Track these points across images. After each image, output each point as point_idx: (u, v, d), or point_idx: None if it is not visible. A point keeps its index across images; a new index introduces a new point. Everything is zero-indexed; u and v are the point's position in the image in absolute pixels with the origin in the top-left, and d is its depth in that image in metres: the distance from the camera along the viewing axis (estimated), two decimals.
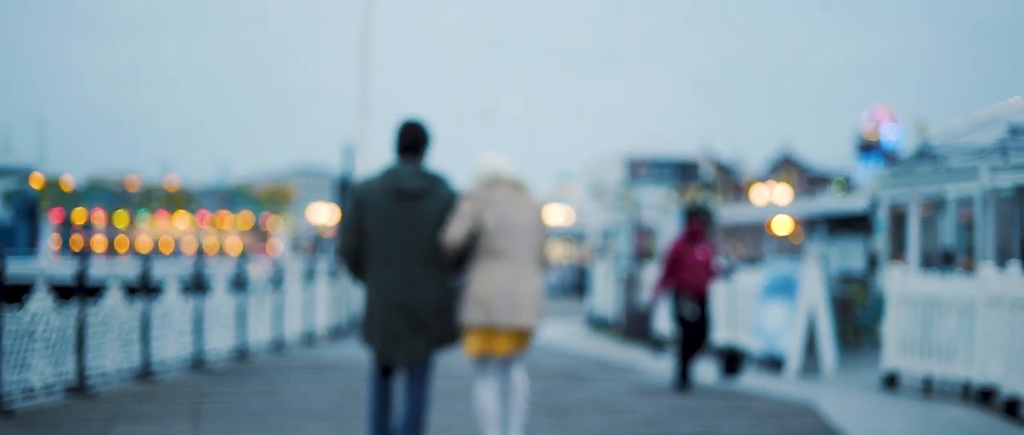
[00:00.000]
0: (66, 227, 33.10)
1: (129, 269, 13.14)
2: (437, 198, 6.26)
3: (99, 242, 33.31)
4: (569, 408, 10.08)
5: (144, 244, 33.20)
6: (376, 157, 24.12)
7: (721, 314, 16.08)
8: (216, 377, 12.48)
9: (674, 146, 47.14)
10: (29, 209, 30.11)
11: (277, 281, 17.15)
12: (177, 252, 33.35)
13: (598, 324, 23.29)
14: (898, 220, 18.29)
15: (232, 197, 34.84)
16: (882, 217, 18.72)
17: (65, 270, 10.71)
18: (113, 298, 11.37)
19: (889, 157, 30.79)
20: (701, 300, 12.18)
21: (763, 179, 44.10)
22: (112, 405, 9.86)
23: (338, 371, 13.30)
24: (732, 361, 13.31)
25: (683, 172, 45.75)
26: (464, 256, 6.40)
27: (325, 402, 10.28)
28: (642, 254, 27.22)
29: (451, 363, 12.61)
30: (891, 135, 39.61)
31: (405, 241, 6.19)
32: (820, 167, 53.23)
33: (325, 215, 52.68)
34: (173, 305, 12.85)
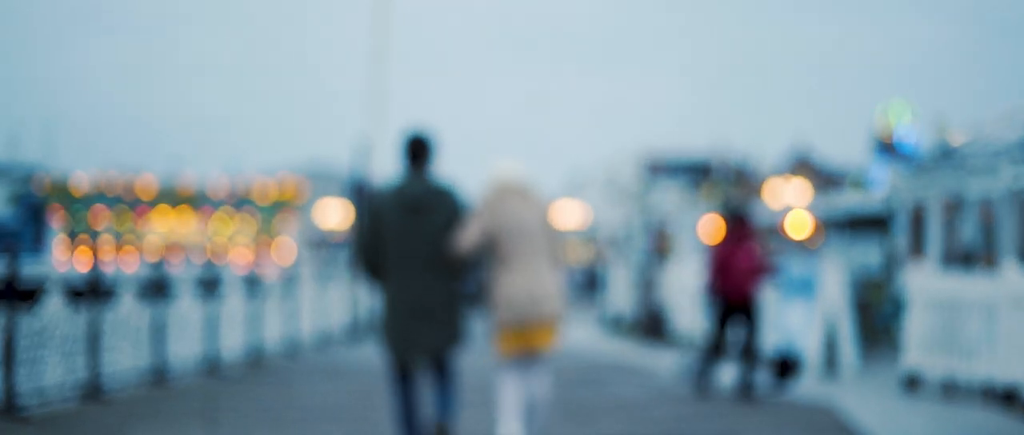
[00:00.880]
0: (74, 229, 33.07)
1: (139, 271, 13.06)
2: (445, 209, 6.83)
3: (107, 244, 33.29)
4: (589, 411, 9.97)
5: (153, 245, 33.19)
6: (389, 155, 23.92)
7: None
8: (230, 380, 12.40)
9: (688, 144, 47.01)
10: (34, 211, 30.11)
11: (291, 283, 17.06)
12: (187, 253, 33.31)
13: (615, 325, 23.18)
14: (917, 220, 18.13)
15: (241, 198, 34.80)
16: (901, 217, 18.56)
17: (75, 273, 10.62)
18: (126, 302, 11.29)
19: (907, 156, 30.56)
20: (744, 305, 11.80)
21: (779, 177, 43.84)
22: (126, 409, 9.79)
23: (354, 374, 13.21)
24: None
25: (699, 171, 45.61)
26: (473, 262, 6.94)
27: (342, 402, 10.19)
28: (660, 254, 27.10)
29: (469, 370, 12.51)
30: (909, 133, 39.40)
31: (416, 250, 6.76)
32: (834, 166, 52.93)
33: (336, 214, 51.18)
34: (187, 309, 12.77)
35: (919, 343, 12.13)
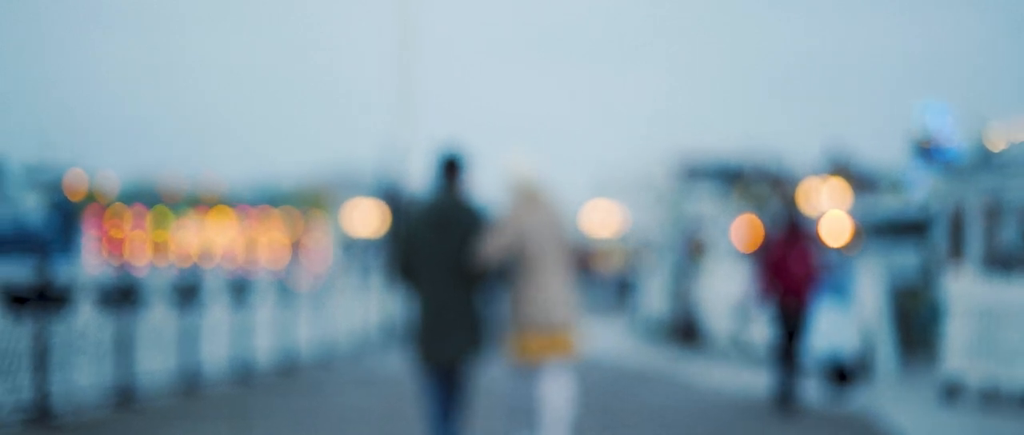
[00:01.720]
0: (105, 233, 33.16)
1: (171, 275, 13.03)
2: (473, 228, 7.16)
3: (138, 247, 33.35)
4: (623, 422, 9.85)
5: (184, 249, 33.22)
6: (418, 158, 23.76)
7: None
8: (263, 388, 12.35)
9: (720, 146, 46.72)
10: (65, 213, 30.23)
11: (325, 289, 17.03)
12: (218, 257, 33.34)
13: (648, 330, 23.02)
14: (956, 224, 17.89)
15: (271, 201, 34.82)
16: (941, 221, 18.33)
17: (106, 276, 10.59)
18: (157, 309, 11.26)
19: (946, 159, 30.17)
20: (797, 311, 11.30)
21: (816, 178, 43.37)
22: (159, 417, 9.75)
23: (387, 382, 13.15)
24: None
25: (731, 174, 45.33)
26: (497, 273, 7.20)
27: (373, 407, 10.12)
28: (695, 258, 26.91)
29: (484, 378, 12.41)
30: (948, 135, 38.90)
31: (445, 264, 7.12)
32: (868, 168, 52.30)
33: (366, 216, 49.99)
34: (218, 316, 12.73)
35: (959, 350, 11.93)
